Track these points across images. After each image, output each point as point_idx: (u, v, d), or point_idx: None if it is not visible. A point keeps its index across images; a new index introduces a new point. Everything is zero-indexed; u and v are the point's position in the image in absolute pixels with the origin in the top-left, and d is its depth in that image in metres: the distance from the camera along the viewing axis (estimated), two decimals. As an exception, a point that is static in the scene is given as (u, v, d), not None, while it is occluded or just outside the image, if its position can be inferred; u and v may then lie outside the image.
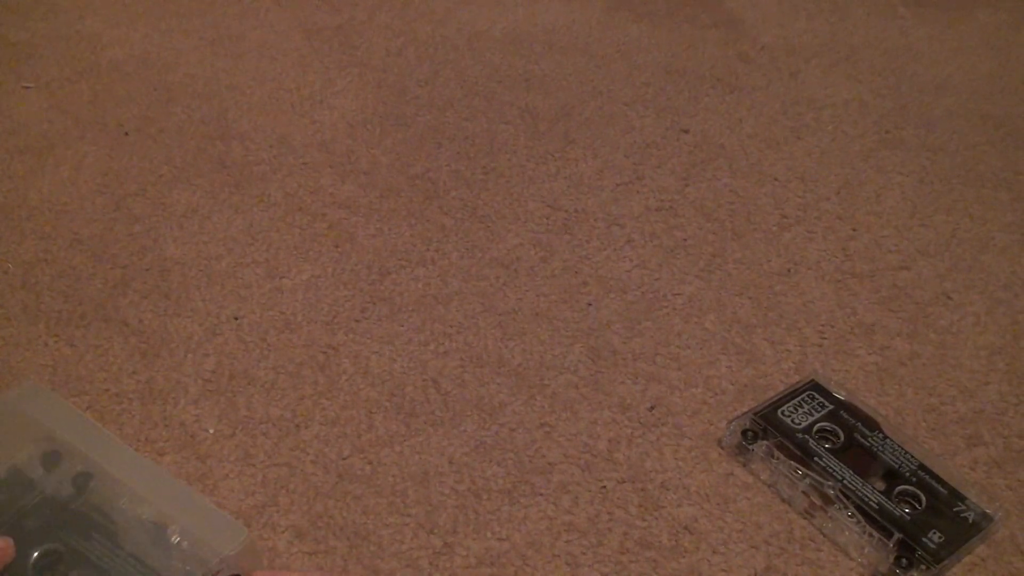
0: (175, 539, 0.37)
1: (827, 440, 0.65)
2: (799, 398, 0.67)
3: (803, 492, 0.62)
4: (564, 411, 0.68)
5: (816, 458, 0.63)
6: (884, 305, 0.78)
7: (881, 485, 0.62)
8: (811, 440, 0.64)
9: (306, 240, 0.82)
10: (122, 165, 0.90)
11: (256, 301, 0.76)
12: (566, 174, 0.91)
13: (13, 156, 0.90)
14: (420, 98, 1.01)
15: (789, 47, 1.13)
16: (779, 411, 0.66)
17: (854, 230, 0.86)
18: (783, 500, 0.63)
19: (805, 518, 0.62)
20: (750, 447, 0.64)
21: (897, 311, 0.78)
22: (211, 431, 0.65)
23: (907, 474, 0.63)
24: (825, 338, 0.75)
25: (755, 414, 0.66)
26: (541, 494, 0.62)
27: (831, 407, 0.67)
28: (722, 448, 0.66)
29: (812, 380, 0.69)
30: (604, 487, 0.63)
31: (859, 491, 0.61)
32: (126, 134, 0.94)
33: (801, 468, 0.63)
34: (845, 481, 0.62)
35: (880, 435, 0.65)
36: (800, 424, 0.65)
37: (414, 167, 0.91)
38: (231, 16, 1.13)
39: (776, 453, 0.63)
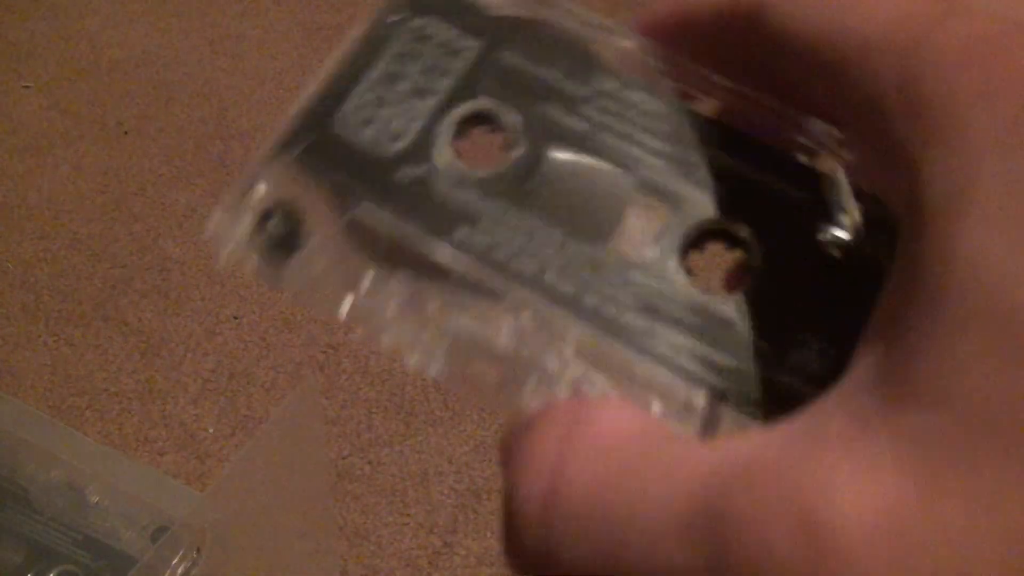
0: (94, 499, 0.36)
1: None
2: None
3: None
4: (564, 410, 0.68)
5: None
6: (884, 304, 0.78)
7: None
8: None
9: (306, 239, 0.82)
10: (122, 164, 0.90)
11: (256, 301, 0.76)
12: (566, 173, 0.91)
13: (13, 156, 0.90)
14: (420, 97, 1.00)
15: (789, 46, 1.13)
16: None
17: (854, 229, 0.86)
18: None
19: None
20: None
21: (897, 310, 0.78)
22: (211, 431, 0.65)
23: None
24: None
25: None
26: (541, 494, 0.62)
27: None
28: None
29: None
30: (604, 487, 0.63)
31: None
32: (125, 133, 0.94)
33: None
34: None
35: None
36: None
37: (414, 166, 0.91)
38: (231, 15, 1.13)
39: None
